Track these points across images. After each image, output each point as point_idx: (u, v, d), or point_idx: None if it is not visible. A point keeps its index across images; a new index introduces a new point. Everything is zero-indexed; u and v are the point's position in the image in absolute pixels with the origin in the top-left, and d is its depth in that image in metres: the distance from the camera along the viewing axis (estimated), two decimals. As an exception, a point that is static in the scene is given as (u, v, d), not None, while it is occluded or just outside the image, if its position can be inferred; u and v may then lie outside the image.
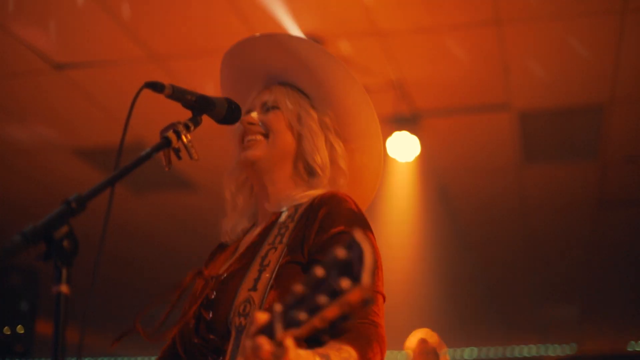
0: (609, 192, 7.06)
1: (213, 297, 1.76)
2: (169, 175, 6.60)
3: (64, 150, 6.34)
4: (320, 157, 1.90)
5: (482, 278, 9.61)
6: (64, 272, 1.28)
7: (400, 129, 5.66)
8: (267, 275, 1.70)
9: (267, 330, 1.21)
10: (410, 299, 8.82)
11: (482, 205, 7.46)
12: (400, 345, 5.25)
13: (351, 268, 1.12)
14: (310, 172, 1.91)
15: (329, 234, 1.71)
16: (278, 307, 1.20)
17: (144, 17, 4.60)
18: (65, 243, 1.28)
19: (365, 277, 1.09)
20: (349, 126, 1.97)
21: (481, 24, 4.65)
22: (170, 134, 1.60)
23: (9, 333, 6.78)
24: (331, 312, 1.15)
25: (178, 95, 1.69)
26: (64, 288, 1.27)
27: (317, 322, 1.16)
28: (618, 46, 4.82)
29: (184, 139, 1.62)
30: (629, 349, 12.98)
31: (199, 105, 1.72)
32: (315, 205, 1.78)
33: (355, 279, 1.11)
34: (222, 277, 1.79)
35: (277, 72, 1.99)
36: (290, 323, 1.19)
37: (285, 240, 1.76)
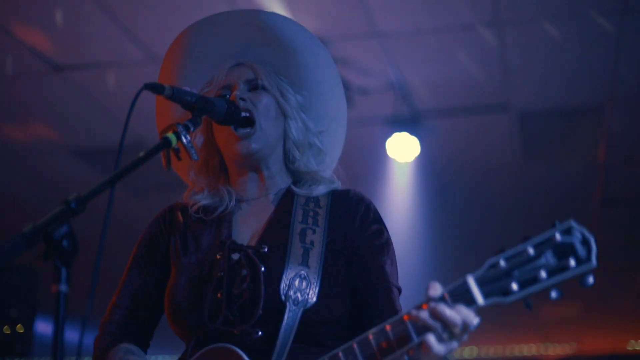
0: (609, 192, 7.06)
1: (260, 269, 1.73)
2: (169, 175, 6.60)
3: (64, 151, 6.34)
4: (303, 139, 1.95)
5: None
6: (64, 271, 1.28)
7: (400, 129, 5.66)
8: (316, 255, 1.76)
9: (458, 297, 1.37)
10: (410, 298, 8.81)
11: (482, 205, 7.45)
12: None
13: (574, 249, 1.30)
14: (292, 152, 1.95)
15: (369, 232, 1.87)
16: (470, 278, 1.37)
17: (143, 19, 4.60)
18: (65, 243, 1.29)
19: (595, 259, 1.30)
20: (320, 109, 2.01)
21: (481, 24, 4.65)
22: (170, 135, 1.61)
23: (8, 333, 6.79)
24: (547, 287, 1.30)
25: (177, 96, 1.69)
26: (64, 288, 1.27)
27: (528, 294, 1.31)
28: (618, 46, 4.82)
29: (184, 140, 1.62)
30: (629, 349, 12.98)
31: (199, 106, 1.71)
32: (352, 200, 1.91)
33: (583, 260, 1.29)
34: (262, 250, 1.77)
35: (253, 50, 1.97)
36: (492, 293, 1.36)
37: (321, 223, 1.83)
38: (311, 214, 1.85)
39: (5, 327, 6.75)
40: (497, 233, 8.22)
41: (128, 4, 4.49)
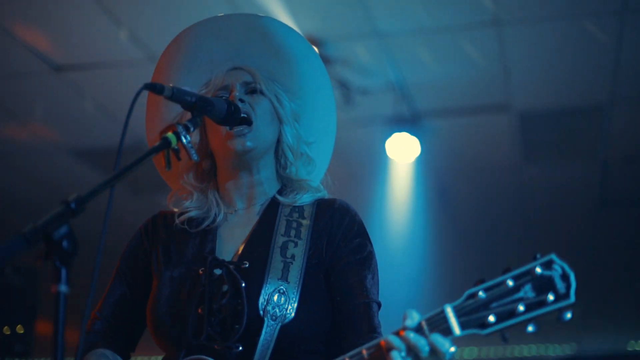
0: (609, 192, 7.06)
1: (241, 285, 1.73)
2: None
3: (64, 151, 6.34)
4: (296, 145, 1.95)
5: (482, 278, 9.60)
6: (64, 272, 1.28)
7: (400, 129, 5.66)
8: (297, 269, 1.76)
9: (435, 326, 1.40)
10: (409, 298, 8.82)
11: (482, 205, 7.45)
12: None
13: (553, 284, 1.31)
14: (286, 158, 1.95)
15: (352, 245, 1.85)
16: (448, 308, 1.39)
17: (143, 19, 4.60)
18: (65, 243, 1.28)
19: (573, 295, 1.30)
20: (312, 120, 2.02)
21: (481, 24, 4.65)
22: (170, 135, 1.60)
23: (8, 333, 6.78)
24: (523, 321, 1.32)
25: (177, 96, 1.68)
26: (64, 288, 1.27)
27: (505, 327, 1.33)
28: (618, 46, 4.82)
29: (184, 140, 1.61)
30: (629, 349, 12.97)
31: (199, 107, 1.71)
32: (337, 212, 1.88)
33: (561, 296, 1.30)
34: (243, 266, 1.77)
35: (252, 55, 1.97)
36: (469, 324, 1.37)
37: (303, 236, 1.82)
38: (294, 225, 1.85)
39: (5, 327, 6.74)
40: (496, 233, 8.22)
41: (128, 4, 4.49)
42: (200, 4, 4.26)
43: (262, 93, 1.92)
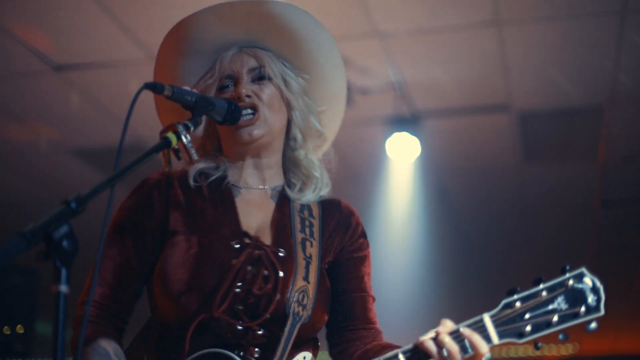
0: (609, 192, 7.06)
1: (278, 274, 1.73)
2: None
3: (64, 150, 6.34)
4: (307, 125, 1.95)
5: (482, 278, 9.61)
6: (64, 272, 1.28)
7: (400, 129, 5.66)
8: (314, 270, 1.81)
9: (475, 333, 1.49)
10: (409, 298, 8.82)
11: (482, 205, 7.45)
12: (399, 344, 5.24)
13: (585, 297, 1.40)
14: (296, 141, 1.95)
15: (357, 244, 1.95)
16: (487, 317, 1.49)
17: (143, 18, 4.60)
18: (65, 243, 1.28)
19: (603, 308, 1.40)
20: (322, 90, 2.01)
21: (481, 24, 4.65)
22: (170, 135, 1.60)
23: (9, 333, 6.78)
24: (557, 331, 1.42)
25: (178, 96, 1.68)
26: (64, 288, 1.27)
27: (540, 337, 1.43)
28: (618, 46, 4.82)
29: (184, 140, 1.61)
30: (629, 349, 12.97)
31: (199, 106, 1.71)
32: (343, 214, 1.96)
33: (592, 308, 1.40)
34: (280, 254, 1.77)
35: (255, 36, 1.95)
36: (507, 333, 1.46)
37: (316, 236, 1.86)
38: (307, 223, 1.88)
39: (5, 327, 6.74)
40: (496, 233, 8.22)
41: (128, 4, 4.49)
42: (201, 4, 4.25)
43: (269, 79, 1.90)
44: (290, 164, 1.97)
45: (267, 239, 1.82)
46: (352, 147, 6.08)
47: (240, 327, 1.69)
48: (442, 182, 6.94)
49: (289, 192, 1.91)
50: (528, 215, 7.70)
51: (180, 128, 1.61)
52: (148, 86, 1.64)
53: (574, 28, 4.66)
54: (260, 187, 1.92)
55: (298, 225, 1.84)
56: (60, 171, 6.69)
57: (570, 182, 6.85)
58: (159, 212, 1.83)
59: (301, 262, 1.77)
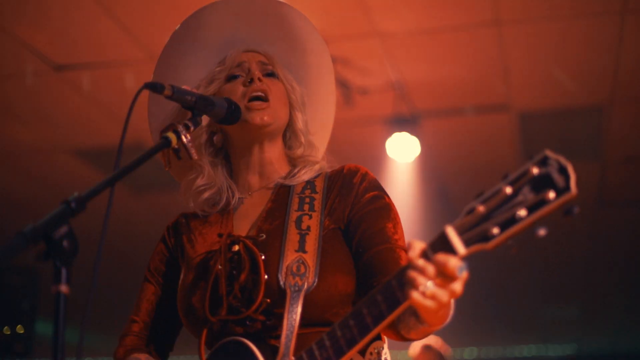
0: (609, 192, 7.07)
1: (260, 257, 1.75)
2: (169, 175, 6.59)
3: (64, 150, 6.34)
4: (305, 130, 1.99)
5: (481, 278, 9.62)
6: (64, 272, 1.28)
7: (400, 129, 5.66)
8: (313, 238, 1.77)
9: (438, 249, 1.31)
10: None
11: (482, 205, 7.45)
12: (400, 345, 5.24)
13: (552, 180, 1.21)
14: (296, 141, 1.98)
15: (365, 198, 1.85)
16: (449, 227, 1.31)
17: (143, 18, 4.60)
18: (65, 243, 1.28)
19: (574, 187, 1.20)
20: (314, 112, 2.05)
21: (481, 24, 4.65)
22: (170, 134, 1.60)
23: (9, 333, 6.78)
24: (528, 225, 1.23)
25: (178, 95, 1.68)
26: (64, 288, 1.27)
27: (509, 235, 1.25)
28: (618, 46, 4.83)
29: (184, 139, 1.62)
30: (629, 349, 12.99)
31: (199, 106, 1.71)
32: (347, 174, 1.91)
33: (562, 190, 1.21)
34: (260, 238, 1.79)
35: (267, 41, 2.00)
36: (473, 240, 1.29)
37: (317, 208, 1.83)
38: (307, 200, 1.87)
39: (5, 327, 6.74)
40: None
41: (128, 4, 4.49)
42: (201, 4, 4.26)
43: (276, 77, 1.95)
44: (290, 160, 2.00)
45: (251, 231, 1.86)
46: (352, 147, 6.08)
47: (243, 319, 1.72)
48: (442, 182, 6.94)
49: (285, 181, 1.94)
50: (528, 215, 7.69)
51: (180, 128, 1.62)
52: (148, 86, 1.64)
53: (574, 28, 4.66)
54: (262, 187, 1.95)
55: (295, 206, 1.85)
56: (60, 171, 6.69)
57: (570, 182, 6.86)
58: (172, 252, 1.99)
59: (293, 238, 1.77)
